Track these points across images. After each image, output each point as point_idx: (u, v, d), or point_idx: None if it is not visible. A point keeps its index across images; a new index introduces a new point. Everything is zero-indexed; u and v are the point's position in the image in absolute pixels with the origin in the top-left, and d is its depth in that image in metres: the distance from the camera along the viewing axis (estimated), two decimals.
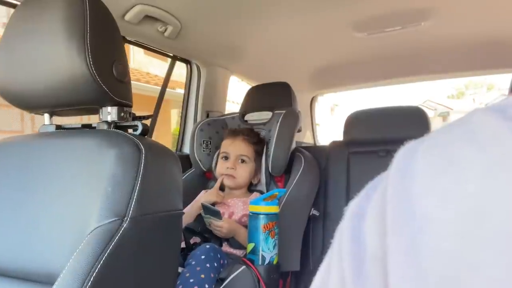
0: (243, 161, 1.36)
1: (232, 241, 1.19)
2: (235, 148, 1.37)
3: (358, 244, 0.19)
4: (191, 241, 1.17)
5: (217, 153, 1.48)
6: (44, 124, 0.79)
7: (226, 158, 1.38)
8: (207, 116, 1.71)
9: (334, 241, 0.22)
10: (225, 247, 1.20)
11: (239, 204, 1.30)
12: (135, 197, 0.57)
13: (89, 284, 0.49)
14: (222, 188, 1.38)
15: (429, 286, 0.14)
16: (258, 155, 1.40)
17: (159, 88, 1.59)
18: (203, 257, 0.99)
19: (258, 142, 1.41)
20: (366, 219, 0.19)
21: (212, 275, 0.97)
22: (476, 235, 0.14)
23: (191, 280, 0.93)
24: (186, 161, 1.53)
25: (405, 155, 0.19)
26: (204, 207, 1.19)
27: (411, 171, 0.17)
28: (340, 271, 0.19)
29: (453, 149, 0.16)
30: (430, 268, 0.14)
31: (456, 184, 0.15)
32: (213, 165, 1.48)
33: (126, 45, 1.27)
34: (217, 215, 1.15)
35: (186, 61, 1.67)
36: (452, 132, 0.18)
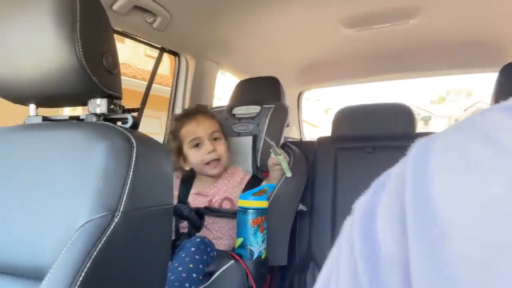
0: (216, 138, 1.27)
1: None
2: (204, 128, 1.26)
3: (370, 244, 0.18)
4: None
5: (176, 146, 1.29)
6: (30, 116, 0.76)
7: (198, 144, 1.25)
8: None
9: (342, 235, 0.22)
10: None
11: (216, 191, 1.28)
12: (126, 191, 0.56)
13: (80, 279, 0.48)
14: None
15: None
16: (221, 126, 1.34)
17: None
18: (193, 249, 0.99)
19: (214, 114, 1.36)
20: (378, 219, 0.19)
21: (200, 266, 0.97)
22: (503, 241, 0.13)
23: (180, 269, 0.93)
24: None
25: (418, 155, 0.18)
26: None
27: (428, 172, 0.17)
28: (351, 268, 0.19)
29: (471, 150, 0.16)
30: (454, 275, 0.14)
31: (478, 187, 0.15)
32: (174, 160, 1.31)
33: None
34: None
35: (175, 54, 1.64)
36: (466, 132, 0.17)
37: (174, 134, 1.31)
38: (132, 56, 5.68)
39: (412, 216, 0.16)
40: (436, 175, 0.16)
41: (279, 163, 1.24)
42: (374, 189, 0.21)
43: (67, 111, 1.23)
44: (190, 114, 1.30)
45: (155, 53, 1.58)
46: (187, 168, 1.33)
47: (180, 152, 1.29)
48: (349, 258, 0.20)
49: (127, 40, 1.46)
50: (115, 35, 1.21)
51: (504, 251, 0.13)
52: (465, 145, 0.17)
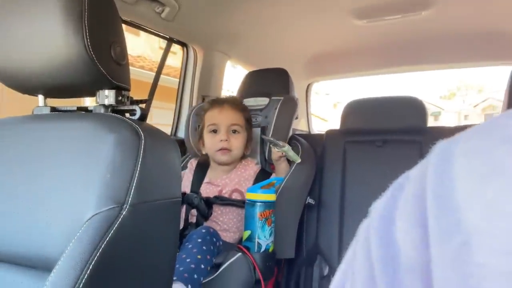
0: (235, 131, 1.27)
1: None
2: (225, 117, 1.25)
3: (389, 247, 0.18)
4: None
5: (200, 127, 1.34)
6: (38, 106, 0.76)
7: (215, 131, 1.26)
8: (203, 100, 1.69)
9: (358, 238, 0.21)
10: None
11: (227, 182, 1.28)
12: (134, 184, 0.55)
13: (88, 271, 0.48)
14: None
15: None
16: (248, 123, 1.33)
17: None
18: (199, 240, 0.99)
19: (245, 108, 1.35)
20: (396, 223, 0.18)
21: (208, 257, 0.97)
22: None
23: (188, 260, 0.93)
24: (181, 146, 1.51)
25: (440, 158, 0.17)
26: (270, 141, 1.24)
27: (451, 177, 0.16)
28: (368, 271, 0.19)
29: (496, 155, 0.15)
30: (477, 286, 0.13)
31: (504, 195, 0.14)
32: (193, 142, 1.38)
33: None
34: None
35: (183, 44, 1.63)
36: (490, 135, 0.16)
37: (199, 116, 1.35)
38: (148, 49, 5.77)
39: (435, 219, 0.16)
40: (460, 180, 0.15)
41: (286, 155, 1.24)
42: (392, 192, 0.20)
43: (88, 102, 1.24)
44: (220, 101, 1.31)
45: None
46: (204, 152, 1.34)
47: (201, 134, 1.33)
48: (365, 262, 0.19)
49: (142, 34, 1.47)
50: (124, 26, 1.20)
51: None
52: (490, 149, 0.16)
